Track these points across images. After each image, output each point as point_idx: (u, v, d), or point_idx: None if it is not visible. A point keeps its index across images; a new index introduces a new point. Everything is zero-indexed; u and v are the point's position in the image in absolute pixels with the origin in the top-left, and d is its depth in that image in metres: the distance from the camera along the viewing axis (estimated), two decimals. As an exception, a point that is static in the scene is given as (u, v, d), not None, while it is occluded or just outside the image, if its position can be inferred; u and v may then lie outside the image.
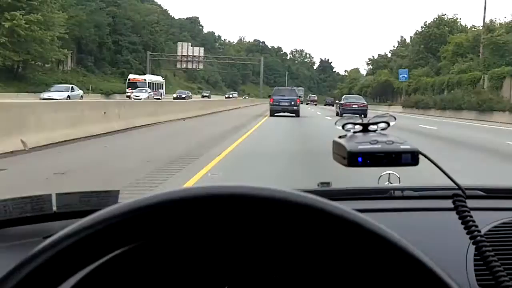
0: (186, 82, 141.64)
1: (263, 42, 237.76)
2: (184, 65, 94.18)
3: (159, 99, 45.85)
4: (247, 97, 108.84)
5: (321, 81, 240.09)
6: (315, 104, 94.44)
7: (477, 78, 49.28)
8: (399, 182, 1.59)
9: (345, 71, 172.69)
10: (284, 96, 31.66)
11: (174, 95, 67.98)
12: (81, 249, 0.55)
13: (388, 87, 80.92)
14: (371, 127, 0.89)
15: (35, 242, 0.89)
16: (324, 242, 0.59)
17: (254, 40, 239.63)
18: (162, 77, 70.69)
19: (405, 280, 0.58)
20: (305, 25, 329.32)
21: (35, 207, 1.07)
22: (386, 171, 1.63)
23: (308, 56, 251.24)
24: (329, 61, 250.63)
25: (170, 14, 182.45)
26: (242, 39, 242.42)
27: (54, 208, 1.07)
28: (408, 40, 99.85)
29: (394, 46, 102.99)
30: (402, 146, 0.83)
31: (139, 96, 47.93)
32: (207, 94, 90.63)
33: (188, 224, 0.57)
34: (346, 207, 0.59)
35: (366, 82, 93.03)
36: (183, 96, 67.04)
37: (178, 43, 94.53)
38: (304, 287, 0.74)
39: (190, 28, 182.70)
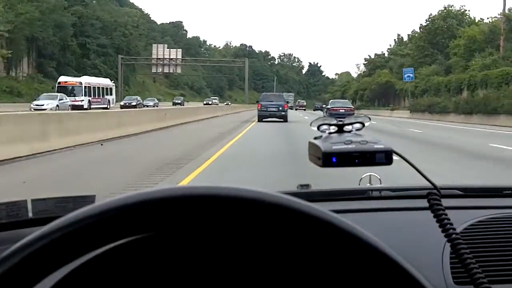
0: (168, 88, 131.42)
1: (250, 47, 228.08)
2: (160, 69, 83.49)
3: (105, 108, 35.53)
4: (229, 103, 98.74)
5: (310, 86, 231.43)
6: (304, 109, 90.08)
7: (511, 74, 39.53)
8: (380, 183, 1.56)
9: (336, 74, 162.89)
10: (272, 101, 31.11)
11: (122, 103, 56.70)
12: (51, 251, 0.55)
13: (389, 89, 71.24)
14: (346, 128, 0.89)
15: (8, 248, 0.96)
16: (299, 243, 0.59)
17: (241, 44, 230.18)
18: (111, 81, 56.53)
19: (380, 280, 0.58)
20: (293, 28, 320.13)
21: (10, 213, 1.04)
22: (367, 172, 1.62)
23: (296, 60, 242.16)
24: (318, 65, 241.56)
25: (152, 18, 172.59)
26: (229, 43, 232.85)
27: (30, 214, 1.04)
28: (405, 38, 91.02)
29: (390, 45, 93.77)
30: (376, 146, 0.83)
31: (43, 105, 34.12)
32: (179, 101, 79.64)
33: (156, 225, 0.57)
34: (320, 207, 0.58)
35: (363, 85, 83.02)
36: (134, 103, 55.14)
37: (153, 44, 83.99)
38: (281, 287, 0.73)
39: (173, 33, 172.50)
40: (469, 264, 0.77)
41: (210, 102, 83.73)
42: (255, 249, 0.71)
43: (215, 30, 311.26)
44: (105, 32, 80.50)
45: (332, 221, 0.57)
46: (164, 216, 0.57)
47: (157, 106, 55.08)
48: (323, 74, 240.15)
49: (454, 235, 0.80)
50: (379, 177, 1.61)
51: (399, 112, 59.45)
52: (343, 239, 0.58)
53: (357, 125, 0.89)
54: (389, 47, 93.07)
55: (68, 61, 72.00)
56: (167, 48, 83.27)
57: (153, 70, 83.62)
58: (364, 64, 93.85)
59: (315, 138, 0.89)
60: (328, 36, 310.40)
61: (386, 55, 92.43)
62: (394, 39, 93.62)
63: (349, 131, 0.88)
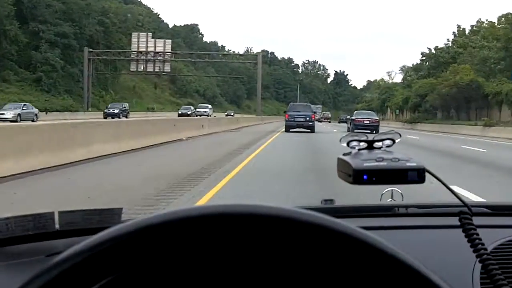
0: (172, 96, 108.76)
1: (272, 53, 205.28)
2: (143, 67, 59.57)
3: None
4: (232, 114, 75.57)
5: (336, 96, 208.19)
6: (329, 121, 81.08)
7: None
8: (402, 199, 1.51)
9: (367, 81, 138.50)
10: (299, 111, 30.20)
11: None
12: (90, 267, 0.55)
13: (473, 93, 46.84)
14: (376, 144, 0.86)
15: (38, 260, 0.93)
16: (330, 260, 0.58)
17: (262, 50, 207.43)
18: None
19: None
20: (318, 35, 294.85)
21: (37, 225, 1.03)
22: (388, 188, 1.55)
23: (322, 68, 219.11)
24: (345, 73, 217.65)
25: (163, 20, 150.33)
26: (249, 50, 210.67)
27: (57, 226, 1.03)
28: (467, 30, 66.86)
29: (448, 40, 68.70)
30: (408, 164, 0.81)
31: None
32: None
33: (187, 244, 0.56)
34: (352, 225, 0.57)
35: (422, 89, 57.61)
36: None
37: (133, 33, 59.97)
38: None
39: (186, 35, 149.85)
40: (501, 286, 0.75)
41: (189, 113, 54.30)
42: (287, 267, 0.67)
43: (235, 36, 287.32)
44: (70, 18, 57.34)
45: (367, 240, 0.56)
46: (199, 234, 0.55)
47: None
48: (349, 83, 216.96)
49: (485, 255, 0.78)
50: (401, 192, 1.52)
51: (502, 130, 34.25)
52: (378, 257, 0.56)
53: (388, 142, 0.86)
54: (447, 42, 68.15)
55: (6, 53, 49.22)
56: (151, 38, 59.04)
57: (132, 68, 59.66)
58: (421, 59, 68.16)
59: (344, 154, 0.86)
60: (355, 43, 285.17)
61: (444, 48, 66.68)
62: (453, 32, 68.74)
63: (379, 148, 0.85)
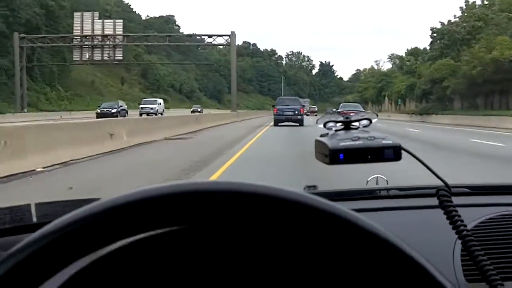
0: (143, 93, 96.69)
1: (254, 44, 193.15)
2: (88, 55, 46.11)
3: None
4: (200, 110, 64.75)
5: (322, 87, 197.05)
6: (315, 115, 75.19)
7: None
8: (387, 185, 1.52)
9: (357, 70, 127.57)
10: (288, 105, 29.46)
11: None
12: (60, 247, 0.53)
13: (506, 74, 35.21)
14: (353, 125, 0.85)
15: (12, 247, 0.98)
16: (317, 241, 0.57)
17: (243, 42, 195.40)
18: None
19: (395, 276, 0.56)
20: (301, 25, 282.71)
21: (14, 217, 1.00)
22: (374, 175, 1.58)
23: (306, 59, 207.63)
24: (330, 64, 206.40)
25: (134, 10, 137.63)
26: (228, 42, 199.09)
27: (34, 219, 1.00)
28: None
29: (455, 16, 56.89)
30: (384, 141, 0.80)
31: None
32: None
33: (189, 218, 0.55)
34: (342, 207, 0.57)
35: (437, 72, 45.69)
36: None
37: (75, 13, 45.71)
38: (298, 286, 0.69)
39: (159, 27, 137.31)
40: (481, 261, 0.74)
41: (110, 110, 39.88)
42: (276, 246, 0.67)
43: (215, 28, 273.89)
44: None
45: (349, 218, 0.56)
46: (196, 210, 0.54)
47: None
48: (335, 74, 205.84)
49: (465, 232, 0.78)
50: (386, 179, 1.54)
51: None
52: (359, 235, 0.56)
53: (364, 122, 0.85)
54: (454, 19, 56.46)
55: None
56: (98, 19, 45.49)
57: (76, 57, 46.74)
58: (433, 36, 55.65)
59: (321, 135, 0.85)
60: (340, 33, 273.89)
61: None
62: (462, 7, 56.96)
63: (356, 128, 0.85)
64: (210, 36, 51.53)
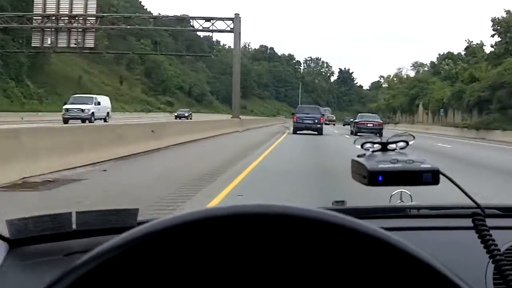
0: (145, 94, 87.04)
1: (272, 49, 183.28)
2: (51, 40, 34.62)
3: None
4: (187, 115, 55.27)
5: (341, 95, 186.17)
6: (334, 124, 70.99)
7: None
8: (411, 201, 1.48)
9: (380, 76, 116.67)
10: (308, 114, 28.81)
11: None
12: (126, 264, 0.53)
13: None
14: (390, 146, 0.85)
15: (56, 260, 0.94)
16: (351, 260, 0.57)
17: (260, 46, 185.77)
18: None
19: None
20: (321, 30, 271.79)
21: (55, 225, 1.03)
22: (398, 189, 1.53)
23: (325, 65, 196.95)
24: (350, 71, 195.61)
25: (145, 8, 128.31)
26: (247, 45, 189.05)
27: (74, 226, 1.03)
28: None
29: (499, 18, 45.83)
30: (422, 165, 0.80)
31: None
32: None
33: (213, 243, 0.55)
34: (376, 227, 0.56)
35: (505, 74, 34.38)
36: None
37: None
38: None
39: (172, 26, 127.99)
40: None
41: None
42: (308, 267, 0.65)
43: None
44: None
45: (386, 239, 0.55)
46: (227, 234, 0.54)
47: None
48: (355, 82, 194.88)
49: (498, 256, 0.78)
50: (409, 194, 1.49)
51: None
52: (396, 256, 0.55)
53: (401, 144, 0.85)
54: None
55: None
56: None
57: (35, 43, 34.93)
58: (495, 29, 44.29)
59: (359, 156, 0.85)
60: (360, 39, 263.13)
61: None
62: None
63: (393, 150, 0.84)
64: (209, 19, 40.47)
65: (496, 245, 0.78)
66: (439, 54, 77.86)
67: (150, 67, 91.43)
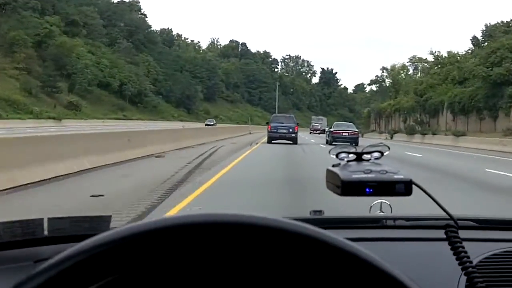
0: (25, 92, 55.93)
1: (244, 44, 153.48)
2: None
3: None
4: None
5: (324, 98, 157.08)
6: (319, 133, 52.37)
7: None
8: (391, 211, 1.48)
9: (383, 68, 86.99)
10: (282, 123, 27.81)
11: None
12: (76, 273, 0.52)
13: None
14: (365, 156, 0.84)
15: (26, 266, 0.90)
16: (316, 271, 0.56)
17: (230, 41, 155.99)
18: None
19: None
20: (301, 24, 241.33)
21: (26, 231, 1.00)
22: (378, 200, 1.53)
23: (306, 64, 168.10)
24: (333, 71, 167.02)
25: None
26: (215, 41, 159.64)
27: (46, 232, 0.99)
28: None
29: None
30: (395, 176, 0.79)
31: None
32: None
33: (183, 251, 0.54)
34: (340, 237, 0.56)
35: None
36: None
37: None
38: None
39: (120, 14, 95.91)
40: None
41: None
42: (276, 276, 0.65)
43: (195, 22, 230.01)
44: None
45: (355, 253, 0.55)
46: (186, 242, 0.53)
47: None
48: (339, 83, 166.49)
49: (470, 268, 0.77)
50: (389, 204, 1.48)
51: None
52: (363, 269, 0.55)
53: (376, 154, 0.84)
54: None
55: None
56: None
57: None
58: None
59: (333, 165, 0.84)
60: (345, 36, 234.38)
61: None
62: None
63: (368, 160, 0.83)
64: None
65: (468, 257, 0.78)
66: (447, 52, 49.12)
67: (53, 54, 60.76)
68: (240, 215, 0.54)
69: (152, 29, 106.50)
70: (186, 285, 0.65)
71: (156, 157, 13.84)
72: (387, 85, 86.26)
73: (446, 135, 37.29)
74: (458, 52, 51.67)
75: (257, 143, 25.89)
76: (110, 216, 1.02)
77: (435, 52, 57.54)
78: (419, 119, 44.66)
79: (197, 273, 0.64)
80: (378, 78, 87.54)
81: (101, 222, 1.02)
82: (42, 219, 0.98)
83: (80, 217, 1.01)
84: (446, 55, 54.51)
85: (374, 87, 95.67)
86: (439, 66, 54.73)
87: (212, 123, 60.34)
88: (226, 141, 26.74)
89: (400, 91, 76.06)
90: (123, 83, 72.94)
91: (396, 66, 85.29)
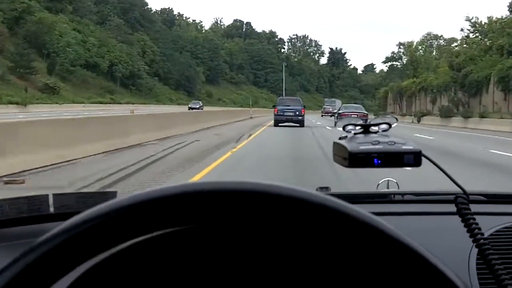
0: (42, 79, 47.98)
1: (248, 24, 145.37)
2: None
3: None
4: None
5: (333, 79, 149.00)
6: (331, 116, 49.17)
7: None
8: (398, 189, 1.46)
9: (400, 43, 78.52)
10: (288, 106, 27.30)
11: None
12: (78, 245, 0.51)
13: None
14: (372, 129, 0.82)
15: (31, 243, 0.96)
16: (334, 241, 0.55)
17: (234, 20, 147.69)
18: None
19: (411, 280, 0.55)
20: (307, 4, 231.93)
21: (32, 207, 0.99)
22: (384, 178, 1.52)
23: (313, 44, 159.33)
24: (342, 51, 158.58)
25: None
26: (218, 21, 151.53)
27: (51, 209, 0.98)
28: None
29: None
30: (404, 147, 0.77)
31: None
32: None
33: (194, 218, 0.52)
34: (362, 209, 0.55)
35: None
36: None
37: None
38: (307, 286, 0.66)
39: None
40: (497, 270, 0.73)
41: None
42: (290, 248, 0.65)
43: (201, 4, 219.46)
44: None
45: (369, 221, 0.54)
46: (208, 209, 0.52)
47: None
48: (348, 64, 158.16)
49: (482, 240, 0.76)
50: (396, 182, 1.48)
51: None
52: (379, 240, 0.54)
53: (384, 126, 0.83)
54: None
55: None
56: None
57: None
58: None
59: (340, 138, 0.82)
60: (353, 14, 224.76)
61: None
62: None
63: (375, 132, 0.82)
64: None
65: (479, 229, 0.77)
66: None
67: (30, 31, 53.29)
68: (278, 185, 0.53)
69: (148, 6, 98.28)
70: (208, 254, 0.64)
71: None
72: (404, 62, 78.20)
73: (502, 118, 29.37)
74: (503, 17, 42.93)
75: (250, 135, 18.43)
76: (115, 192, 1.01)
77: (472, 18, 48.72)
78: (455, 99, 36.47)
79: (218, 243, 0.63)
80: (394, 55, 79.09)
81: (106, 198, 0.97)
82: (47, 195, 0.97)
83: (85, 193, 0.97)
84: (486, 22, 46.12)
85: (385, 67, 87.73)
86: (477, 35, 46.40)
87: (197, 106, 52.59)
88: (211, 131, 19.42)
89: (418, 69, 68.10)
90: (114, 63, 65.54)
91: (415, 42, 76.93)
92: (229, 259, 0.65)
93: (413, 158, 0.76)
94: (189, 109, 44.08)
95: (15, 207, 0.97)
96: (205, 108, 49.48)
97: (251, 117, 39.33)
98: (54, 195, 0.97)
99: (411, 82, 55.62)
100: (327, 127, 25.78)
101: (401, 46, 77.14)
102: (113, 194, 0.99)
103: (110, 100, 55.03)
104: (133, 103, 56.46)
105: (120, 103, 54.39)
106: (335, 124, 29.47)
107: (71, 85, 54.49)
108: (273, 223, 0.53)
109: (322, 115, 57.69)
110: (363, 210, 0.55)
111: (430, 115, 41.75)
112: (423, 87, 49.73)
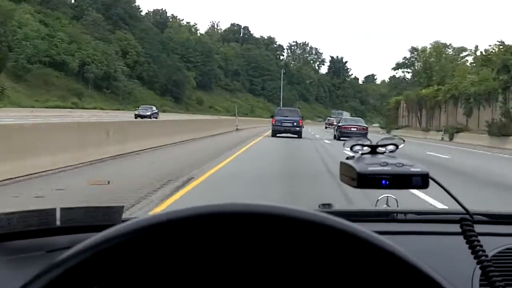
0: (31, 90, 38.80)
1: (246, 29, 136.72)
2: None
3: None
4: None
5: (334, 89, 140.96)
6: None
7: None
8: (397, 206, 1.46)
9: (412, 48, 69.55)
10: (286, 116, 27.27)
11: None
12: (96, 265, 0.51)
13: None
14: (380, 149, 0.83)
15: (39, 256, 0.91)
16: (338, 260, 0.55)
17: (231, 24, 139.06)
18: None
19: None
20: (307, 11, 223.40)
21: (39, 220, 0.99)
22: (384, 194, 1.50)
23: (314, 52, 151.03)
24: (343, 60, 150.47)
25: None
26: (215, 25, 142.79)
27: (58, 222, 0.99)
28: None
29: None
30: (412, 169, 0.77)
31: None
32: None
33: (201, 241, 0.52)
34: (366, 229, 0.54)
35: None
36: None
37: None
38: None
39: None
40: None
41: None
42: (293, 268, 0.64)
43: (193, 4, 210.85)
44: None
45: (374, 242, 0.53)
46: (214, 231, 0.52)
47: None
48: (349, 73, 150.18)
49: (486, 261, 0.76)
50: (395, 198, 1.46)
51: None
52: (384, 259, 0.54)
53: (391, 147, 0.83)
54: None
55: None
56: None
57: None
58: None
59: (347, 158, 0.83)
60: (355, 23, 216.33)
61: None
62: None
63: (383, 153, 0.82)
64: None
65: (483, 250, 0.77)
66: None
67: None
68: (285, 207, 0.53)
69: (136, 4, 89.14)
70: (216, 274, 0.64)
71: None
72: (416, 68, 69.13)
73: None
74: None
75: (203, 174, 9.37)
76: (122, 207, 1.03)
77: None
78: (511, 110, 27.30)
79: (227, 261, 0.63)
80: (406, 61, 69.81)
81: (113, 213, 1.00)
82: (54, 209, 0.98)
83: (91, 207, 1.01)
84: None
85: (391, 74, 79.21)
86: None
87: (149, 113, 38.54)
88: (149, 156, 10.24)
89: (433, 77, 58.82)
90: (86, 62, 56.27)
91: (428, 48, 68.02)
92: (234, 279, 0.64)
93: (421, 180, 0.76)
94: (135, 117, 33.07)
95: (22, 220, 0.97)
96: (186, 117, 39.76)
97: (237, 129, 30.24)
98: (61, 209, 0.98)
99: (435, 90, 46.21)
100: (326, 141, 24.64)
101: (414, 52, 68.11)
102: (119, 209, 1.01)
103: (72, 104, 45.84)
104: (102, 109, 47.27)
105: (85, 108, 45.16)
106: (334, 137, 27.03)
107: (25, 86, 45.39)
108: (270, 243, 0.53)
109: (326, 127, 53.53)
110: (366, 229, 0.54)
111: (466, 131, 32.58)
112: (453, 95, 40.07)
